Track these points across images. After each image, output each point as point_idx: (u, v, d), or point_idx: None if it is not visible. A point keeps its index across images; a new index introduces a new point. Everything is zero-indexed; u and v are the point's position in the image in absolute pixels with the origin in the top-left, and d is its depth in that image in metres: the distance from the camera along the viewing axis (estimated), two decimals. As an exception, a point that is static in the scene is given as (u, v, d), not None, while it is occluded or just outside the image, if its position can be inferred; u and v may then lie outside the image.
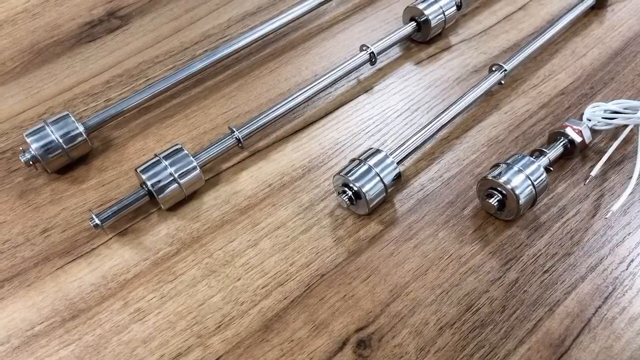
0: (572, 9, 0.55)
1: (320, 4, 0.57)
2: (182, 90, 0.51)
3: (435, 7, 0.52)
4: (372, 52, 0.50)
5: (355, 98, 0.50)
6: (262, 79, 0.52)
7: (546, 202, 0.43)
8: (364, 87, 0.51)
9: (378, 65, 0.53)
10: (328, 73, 0.49)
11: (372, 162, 0.40)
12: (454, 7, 0.53)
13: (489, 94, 0.49)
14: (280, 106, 0.47)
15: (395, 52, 0.54)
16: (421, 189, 0.44)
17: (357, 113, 0.49)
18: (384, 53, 0.53)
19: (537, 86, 0.51)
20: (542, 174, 0.40)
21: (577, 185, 0.43)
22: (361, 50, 0.50)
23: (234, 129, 0.44)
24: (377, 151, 0.41)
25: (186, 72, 0.50)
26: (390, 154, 0.42)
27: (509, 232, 0.41)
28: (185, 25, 0.57)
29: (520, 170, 0.39)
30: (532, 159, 0.40)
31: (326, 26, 0.57)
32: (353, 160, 0.41)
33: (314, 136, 0.47)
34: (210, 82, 0.52)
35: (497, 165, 0.41)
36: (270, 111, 0.46)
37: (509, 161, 0.40)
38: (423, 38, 0.54)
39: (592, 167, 0.44)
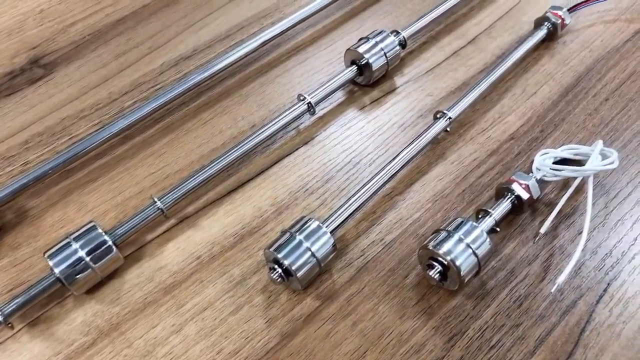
0: (522, 43, 0.53)
1: (262, 45, 0.54)
2: (107, 149, 0.47)
3: (377, 49, 0.49)
4: (310, 103, 0.47)
5: (295, 151, 0.47)
6: (194, 132, 0.48)
7: (494, 264, 0.40)
8: (304, 139, 0.48)
9: (319, 112, 0.50)
10: (265, 125, 0.46)
11: (303, 234, 0.37)
12: (397, 47, 0.51)
13: (434, 141, 0.47)
14: (210, 168, 0.43)
15: (338, 96, 0.51)
16: (361, 255, 0.41)
17: (296, 168, 0.46)
18: (326, 99, 0.50)
19: (485, 130, 0.48)
20: (485, 241, 0.37)
21: (526, 243, 0.41)
22: (299, 100, 0.47)
23: (156, 199, 0.40)
24: (309, 221, 0.38)
25: (112, 128, 0.47)
26: (325, 221, 0.39)
27: (454, 302, 0.38)
28: (114, 72, 0.53)
29: (461, 240, 0.36)
30: (474, 224, 0.38)
31: (265, 69, 0.53)
32: (283, 232, 0.38)
33: (248, 197, 0.44)
34: (138, 138, 0.48)
35: (438, 232, 0.38)
36: (198, 175, 0.42)
37: (450, 227, 0.38)
38: (366, 81, 0.51)
39: (542, 221, 0.42)
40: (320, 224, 0.38)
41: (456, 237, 0.37)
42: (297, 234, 0.37)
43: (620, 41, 0.55)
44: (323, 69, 0.53)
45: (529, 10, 0.58)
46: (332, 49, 0.55)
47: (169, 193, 0.42)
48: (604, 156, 0.43)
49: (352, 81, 0.51)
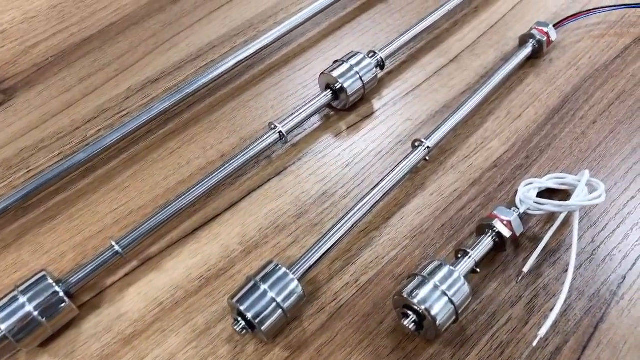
0: (507, 61, 0.50)
1: (234, 67, 0.51)
2: (67, 183, 0.45)
3: (352, 73, 0.47)
4: (281, 132, 0.44)
5: (266, 183, 0.44)
6: (160, 163, 0.46)
7: (474, 307, 0.38)
8: (276, 169, 0.45)
9: (293, 139, 0.47)
10: (235, 156, 0.44)
11: (268, 283, 0.34)
12: (374, 70, 0.48)
13: (413, 171, 0.44)
14: (174, 205, 0.41)
15: (314, 120, 0.49)
16: (334, 299, 0.38)
17: (267, 201, 0.43)
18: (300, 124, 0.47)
19: (467, 158, 0.46)
20: (463, 286, 0.35)
21: (509, 283, 0.39)
22: (270, 128, 0.45)
23: (114, 243, 0.38)
24: (275, 268, 0.35)
25: (73, 160, 0.44)
26: (294, 265, 0.36)
27: (432, 351, 0.36)
28: (78, 98, 0.50)
29: (436, 287, 0.34)
30: (452, 268, 0.35)
31: (237, 93, 0.51)
32: (248, 279, 0.35)
33: (215, 235, 0.42)
34: (102, 170, 0.45)
35: (413, 277, 0.35)
36: (160, 213, 0.40)
37: (425, 272, 0.35)
38: (342, 106, 0.49)
39: (526, 258, 0.39)
40: (287, 271, 0.35)
41: (432, 283, 0.34)
42: (262, 282, 0.34)
43: (609, 58, 0.53)
44: (298, 92, 0.51)
45: (514, 24, 0.56)
46: (308, 69, 0.53)
47: (129, 235, 0.39)
48: (591, 187, 0.41)
49: (328, 105, 0.49)
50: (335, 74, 0.46)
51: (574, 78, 0.51)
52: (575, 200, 0.39)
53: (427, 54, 0.54)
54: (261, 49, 0.53)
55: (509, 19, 0.57)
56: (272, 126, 0.44)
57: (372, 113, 0.49)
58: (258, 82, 0.52)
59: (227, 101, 0.50)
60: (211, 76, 0.50)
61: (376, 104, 0.50)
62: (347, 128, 0.48)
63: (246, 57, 0.52)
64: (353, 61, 0.47)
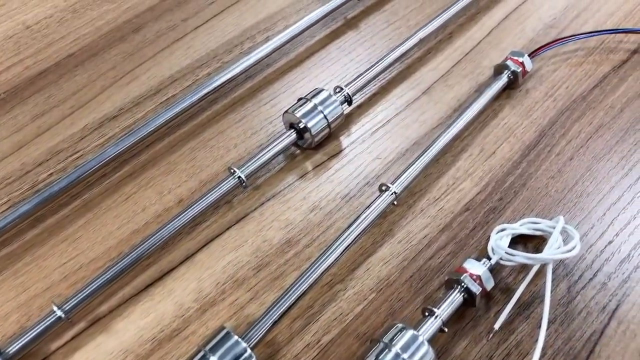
0: (481, 94, 0.48)
1: (195, 103, 0.48)
2: (14, 234, 0.42)
3: (316, 112, 0.44)
4: (240, 177, 0.42)
5: (225, 231, 0.42)
6: (114, 210, 0.43)
7: (442, 369, 0.36)
8: (237, 215, 0.43)
9: (256, 181, 0.45)
10: (192, 203, 0.41)
11: (217, 354, 0.32)
12: (340, 108, 0.46)
13: (381, 215, 0.42)
14: (126, 259, 0.38)
15: (279, 160, 0.46)
16: (294, 363, 0.36)
17: (225, 252, 0.41)
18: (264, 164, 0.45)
19: (438, 201, 0.44)
20: (426, 353, 0.32)
21: (480, 341, 0.36)
22: (230, 172, 0.42)
23: (56, 308, 0.35)
24: (227, 336, 0.33)
25: (22, 209, 0.42)
26: (250, 329, 0.34)
27: (396, 420, 0.34)
28: (29, 138, 0.48)
29: (398, 355, 0.32)
30: (415, 333, 0.33)
31: (197, 131, 0.48)
32: (197, 350, 0.33)
33: (170, 291, 0.39)
34: (51, 219, 0.43)
35: (375, 343, 0.33)
36: (110, 270, 0.38)
37: (387, 337, 0.33)
38: (307, 145, 0.46)
39: (498, 312, 0.37)
40: (239, 339, 0.33)
41: (393, 351, 0.32)
42: (211, 353, 0.32)
43: (587, 88, 0.51)
44: (263, 129, 0.48)
45: (489, 52, 0.54)
46: (274, 103, 0.50)
47: (74, 297, 0.36)
48: (566, 235, 0.39)
49: (293, 143, 0.47)
50: (299, 113, 0.44)
51: (551, 110, 0.49)
52: (548, 253, 0.37)
53: (398, 85, 0.51)
54: (225, 83, 0.50)
55: (484, 46, 0.54)
56: (232, 170, 0.42)
57: (340, 151, 0.47)
58: (221, 119, 0.49)
59: (187, 140, 0.48)
60: (171, 113, 0.47)
61: (344, 141, 0.47)
62: (314, 168, 0.46)
63: (209, 92, 0.49)
64: (317, 99, 0.45)
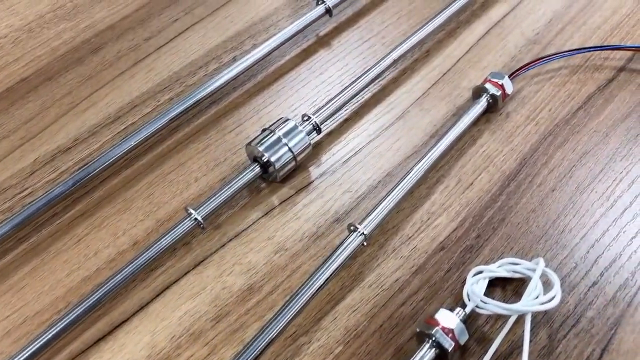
0: (459, 118, 0.45)
1: (155, 132, 0.45)
2: (-46, 283, 0.39)
3: (280, 144, 0.41)
4: (197, 219, 0.39)
5: (183, 277, 0.39)
6: (64, 254, 0.40)
7: None
8: (195, 259, 0.40)
9: (217, 220, 0.42)
10: (148, 247, 0.38)
11: None
12: (308, 137, 0.43)
13: (350, 257, 0.39)
14: (73, 312, 0.35)
15: (242, 195, 0.43)
16: None
17: (182, 301, 0.38)
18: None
19: (411, 239, 0.41)
20: (394, 423, 0.30)
21: (453, 400, 0.34)
22: (187, 213, 0.39)
23: (-9, 375, 0.33)
24: (175, 408, 0.30)
25: (-38, 255, 0.39)
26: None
27: None
28: (-25, 174, 0.45)
29: None
30: (381, 401, 0.30)
31: (156, 163, 0.45)
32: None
33: (120, 347, 0.36)
34: (-5, 266, 0.40)
35: (337, 412, 0.31)
36: (55, 327, 0.35)
37: (351, 406, 0.30)
38: (273, 179, 0.43)
39: (473, 365, 0.35)
40: (189, 411, 0.30)
41: (357, 423, 0.29)
42: None
43: (571, 110, 0.48)
44: (226, 160, 0.45)
45: (468, 71, 0.51)
46: (239, 131, 0.47)
47: (17, 355, 0.34)
48: (546, 278, 0.37)
49: (260, 176, 0.44)
50: (261, 146, 0.41)
51: (533, 136, 0.46)
52: (526, 303, 0.34)
53: (371, 109, 0.48)
54: (187, 109, 0.47)
55: (463, 64, 0.51)
56: (188, 212, 0.39)
57: (309, 183, 0.44)
58: (182, 149, 0.46)
59: (145, 174, 0.44)
60: (129, 144, 0.44)
61: (313, 172, 0.45)
62: (280, 203, 0.43)
63: (170, 119, 0.46)
64: (282, 131, 0.42)
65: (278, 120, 0.43)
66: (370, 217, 0.39)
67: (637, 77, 0.50)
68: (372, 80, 0.48)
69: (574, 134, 0.46)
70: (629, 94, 0.49)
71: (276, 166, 0.41)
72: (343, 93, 0.46)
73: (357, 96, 0.48)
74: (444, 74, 0.51)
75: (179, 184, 0.44)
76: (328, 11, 0.52)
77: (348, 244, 0.38)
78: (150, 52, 0.53)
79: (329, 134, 0.47)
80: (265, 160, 0.41)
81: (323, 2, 0.52)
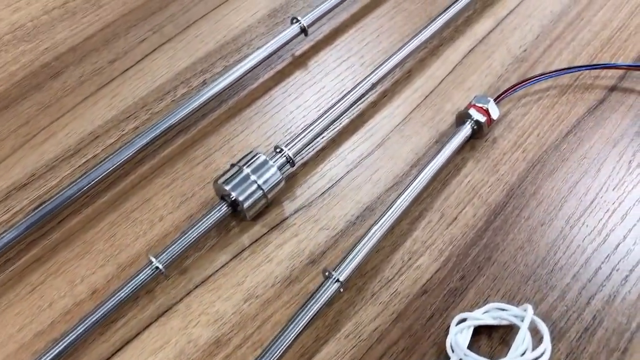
0: (443, 145, 0.42)
1: (118, 166, 0.42)
2: None
3: (249, 182, 0.38)
4: (158, 267, 0.36)
5: (145, 329, 0.36)
6: (17, 306, 0.37)
7: None
8: (159, 308, 0.37)
9: (183, 263, 0.39)
10: (108, 297, 0.35)
11: None
12: (279, 172, 0.40)
13: (326, 304, 0.37)
14: (21, 376, 0.33)
15: (211, 235, 0.40)
16: None
17: (142, 356, 0.35)
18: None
19: (391, 282, 0.38)
20: None
21: None
22: (148, 261, 0.36)
23: None
24: None
25: None
26: None
27: None
28: None
29: None
30: None
31: (119, 200, 0.42)
32: None
33: (76, 411, 0.34)
34: (-59, 320, 0.37)
35: None
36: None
37: None
38: (244, 217, 0.41)
39: None
40: None
41: None
42: None
43: (560, 134, 0.45)
44: (194, 195, 0.42)
45: (452, 93, 0.48)
46: (208, 163, 0.44)
47: None
48: (535, 326, 0.34)
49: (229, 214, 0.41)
50: (228, 185, 0.38)
51: (520, 164, 0.44)
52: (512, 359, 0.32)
53: (349, 136, 0.46)
54: (153, 139, 0.44)
55: (446, 85, 0.49)
56: (150, 260, 0.36)
57: (283, 221, 0.41)
58: (147, 184, 0.43)
59: (106, 212, 0.41)
60: (89, 179, 0.41)
61: (287, 208, 0.42)
62: (251, 244, 0.40)
63: (134, 151, 0.43)
64: (251, 166, 0.39)
65: (247, 155, 0.40)
66: (346, 262, 0.36)
67: (629, 97, 0.47)
68: (350, 106, 0.45)
69: (564, 161, 0.44)
70: (621, 116, 0.46)
71: (245, 206, 0.38)
72: (319, 121, 0.43)
73: (336, 121, 0.45)
74: (427, 97, 0.48)
75: (142, 224, 0.41)
76: (303, 30, 0.49)
77: (323, 291, 0.35)
78: (114, 76, 0.50)
79: (305, 164, 0.44)
80: (233, 199, 0.38)
81: (297, 20, 0.49)
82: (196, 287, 0.38)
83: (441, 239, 0.40)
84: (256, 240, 0.40)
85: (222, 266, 0.39)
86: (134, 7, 0.54)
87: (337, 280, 0.35)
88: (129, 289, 0.36)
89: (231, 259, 0.39)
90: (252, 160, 0.39)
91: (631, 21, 0.53)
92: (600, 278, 0.38)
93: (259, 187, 0.38)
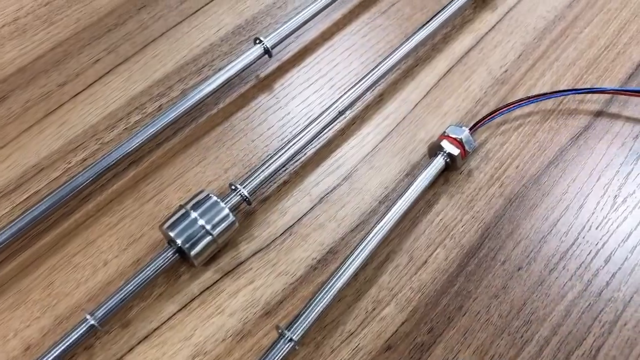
0: (414, 179, 0.39)
1: (60, 203, 0.38)
2: None
3: (196, 227, 0.35)
4: (93, 325, 0.33)
5: (80, 391, 0.33)
6: (-58, 364, 0.34)
7: None
8: (97, 367, 0.34)
9: (126, 314, 0.36)
10: (43, 355, 0.32)
11: None
12: (231, 216, 0.36)
13: (280, 362, 0.33)
14: None
15: (158, 282, 0.37)
16: None
17: (78, 423, 0.32)
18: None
19: (353, 336, 0.35)
20: None
21: None
22: (83, 317, 0.33)
23: None
24: None
25: None
26: None
27: None
28: None
29: None
30: None
31: (61, 242, 0.38)
32: None
33: None
34: None
35: None
36: None
37: None
38: (192, 264, 0.37)
39: None
40: None
41: None
42: None
43: (541, 166, 0.42)
44: (143, 236, 0.39)
45: (426, 119, 0.45)
46: (160, 199, 0.41)
47: None
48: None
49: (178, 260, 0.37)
50: (173, 231, 0.35)
51: (497, 199, 0.40)
52: None
53: (314, 169, 0.42)
54: (101, 172, 0.41)
55: (420, 110, 0.45)
56: (84, 317, 0.33)
57: (238, 265, 0.38)
58: (92, 223, 0.39)
59: (46, 256, 0.38)
60: (29, 219, 0.37)
61: (243, 250, 0.38)
62: (201, 293, 0.37)
63: (80, 186, 0.40)
64: (199, 210, 0.35)
65: (196, 195, 0.36)
66: (302, 317, 0.33)
67: (615, 124, 0.44)
68: (316, 135, 0.42)
69: (544, 196, 0.40)
70: (606, 145, 0.43)
71: (191, 253, 0.35)
72: (281, 152, 0.39)
73: (299, 152, 0.42)
74: (399, 124, 0.45)
75: (85, 269, 0.37)
76: (267, 52, 0.46)
77: (276, 350, 0.32)
78: (64, 101, 0.46)
79: (265, 199, 0.41)
80: (178, 246, 0.35)
81: (260, 41, 0.46)
82: (139, 342, 0.35)
83: (409, 286, 0.37)
84: (207, 288, 0.37)
85: (169, 318, 0.35)
86: (88, 24, 0.50)
87: (291, 339, 0.32)
88: (64, 346, 0.32)
89: (179, 310, 0.36)
90: (201, 202, 0.36)
91: (619, 39, 0.49)
92: (581, 330, 0.35)
93: (208, 232, 0.35)
